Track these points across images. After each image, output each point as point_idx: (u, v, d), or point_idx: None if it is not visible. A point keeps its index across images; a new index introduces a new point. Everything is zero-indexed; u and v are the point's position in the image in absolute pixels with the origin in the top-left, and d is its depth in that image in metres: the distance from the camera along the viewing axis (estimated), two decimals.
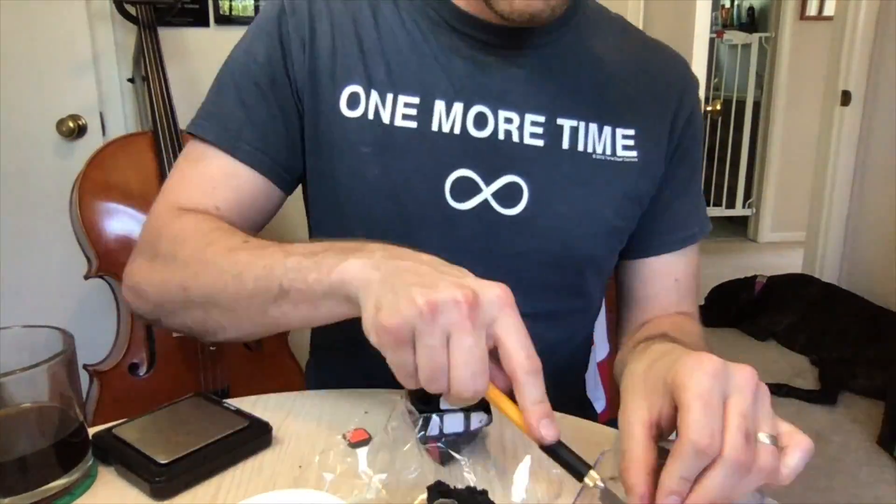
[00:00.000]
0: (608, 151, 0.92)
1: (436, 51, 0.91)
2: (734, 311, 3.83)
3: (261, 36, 0.91)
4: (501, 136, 0.89)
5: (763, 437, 0.53)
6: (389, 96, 0.89)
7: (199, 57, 2.39)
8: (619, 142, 0.93)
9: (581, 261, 0.94)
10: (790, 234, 5.35)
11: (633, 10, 2.80)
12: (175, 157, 1.94)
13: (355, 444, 0.74)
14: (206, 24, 2.39)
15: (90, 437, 0.73)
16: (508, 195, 0.89)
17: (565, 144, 0.91)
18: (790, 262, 4.65)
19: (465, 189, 0.89)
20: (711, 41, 4.90)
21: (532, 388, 0.59)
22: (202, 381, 1.93)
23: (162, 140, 1.95)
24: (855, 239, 3.78)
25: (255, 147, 0.89)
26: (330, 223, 0.96)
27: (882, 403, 2.81)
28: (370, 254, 0.65)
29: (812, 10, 5.09)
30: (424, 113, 0.88)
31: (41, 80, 2.16)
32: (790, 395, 3.11)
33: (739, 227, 5.79)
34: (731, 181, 5.66)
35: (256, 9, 2.41)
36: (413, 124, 0.88)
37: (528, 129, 0.90)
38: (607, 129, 0.92)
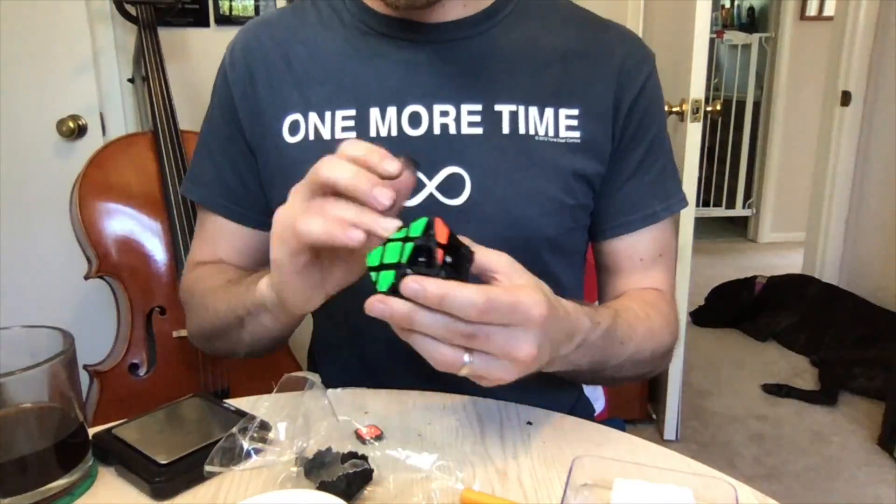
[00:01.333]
0: (551, 133, 0.93)
1: (367, 60, 0.94)
2: (734, 311, 3.83)
3: (216, 99, 1.02)
4: (437, 130, 0.92)
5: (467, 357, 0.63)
6: (328, 114, 0.93)
7: (199, 57, 2.39)
8: (563, 122, 0.93)
9: (535, 241, 0.94)
10: (790, 234, 5.34)
11: (633, 10, 2.80)
12: (175, 157, 1.95)
13: (369, 441, 0.75)
14: (206, 24, 2.39)
15: (90, 437, 0.73)
16: (452, 186, 0.91)
17: (505, 129, 0.92)
18: (790, 263, 4.65)
19: None
20: (711, 41, 4.90)
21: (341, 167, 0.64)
22: (202, 381, 1.93)
23: (162, 140, 1.95)
24: (855, 239, 3.79)
25: (229, 201, 1.01)
26: None
27: (882, 404, 2.81)
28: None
29: (812, 10, 5.09)
30: (361, 122, 0.92)
31: (41, 81, 2.17)
32: (790, 396, 3.11)
33: (739, 228, 5.79)
34: (731, 181, 5.66)
35: (257, 9, 2.41)
36: (352, 135, 0.92)
37: (465, 119, 0.92)
38: (549, 111, 0.93)
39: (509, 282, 0.66)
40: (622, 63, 0.96)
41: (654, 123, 0.99)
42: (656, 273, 1.02)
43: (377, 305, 0.61)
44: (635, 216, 0.99)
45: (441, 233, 0.62)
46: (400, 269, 0.61)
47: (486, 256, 0.67)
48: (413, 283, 0.59)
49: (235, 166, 0.99)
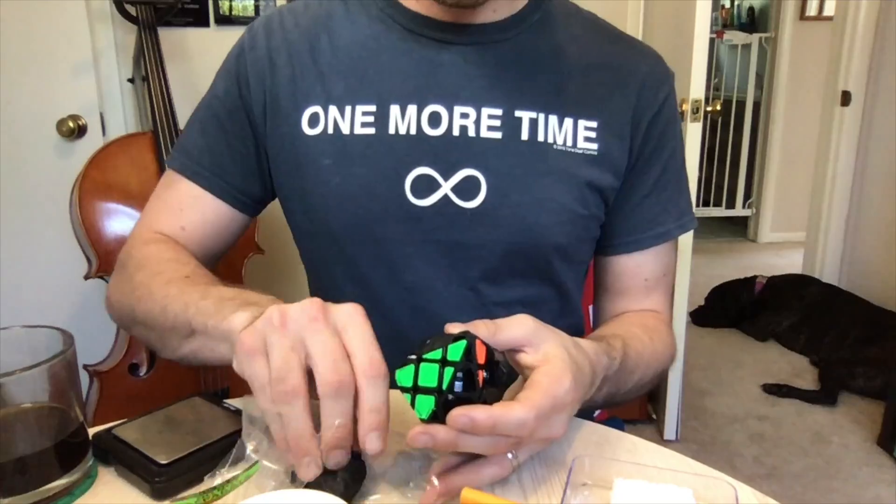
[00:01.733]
0: (569, 143, 0.93)
1: (391, 57, 0.94)
2: (734, 311, 3.84)
3: (223, 73, 1.00)
4: (456, 132, 0.91)
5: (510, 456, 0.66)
6: (348, 108, 0.93)
7: (199, 57, 2.39)
8: (581, 133, 0.93)
9: (545, 248, 0.95)
10: (790, 234, 5.35)
11: (633, 10, 2.80)
12: None
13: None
14: (206, 24, 2.39)
15: (90, 437, 0.73)
16: (467, 189, 0.91)
17: (524, 136, 0.92)
18: (790, 263, 4.65)
19: (425, 186, 0.91)
20: (711, 41, 4.90)
21: (370, 393, 0.59)
22: (202, 381, 1.93)
23: (162, 140, 1.95)
24: (855, 239, 3.79)
25: (213, 173, 0.98)
26: (305, 232, 1.01)
27: (882, 404, 2.80)
28: (259, 308, 0.68)
29: (812, 10, 5.09)
30: (381, 118, 0.92)
31: (41, 81, 2.17)
32: (790, 396, 3.11)
33: (739, 228, 5.79)
34: (731, 181, 5.66)
35: (257, 9, 2.41)
36: (371, 130, 0.92)
37: (484, 122, 0.92)
38: (568, 121, 0.93)
39: (535, 352, 0.67)
40: (643, 80, 0.96)
41: (671, 142, 1.00)
42: (657, 296, 1.03)
43: (421, 438, 0.60)
44: (648, 234, 1.00)
45: (480, 354, 0.62)
46: (440, 396, 0.60)
47: (510, 331, 0.67)
48: (463, 418, 0.59)
49: (228, 139, 0.98)
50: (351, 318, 0.62)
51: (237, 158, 0.99)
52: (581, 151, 0.93)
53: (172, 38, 2.32)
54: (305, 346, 0.60)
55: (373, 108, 0.92)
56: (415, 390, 0.62)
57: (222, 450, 0.72)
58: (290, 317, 0.61)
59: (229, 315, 0.70)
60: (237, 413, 0.78)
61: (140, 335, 0.91)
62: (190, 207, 0.98)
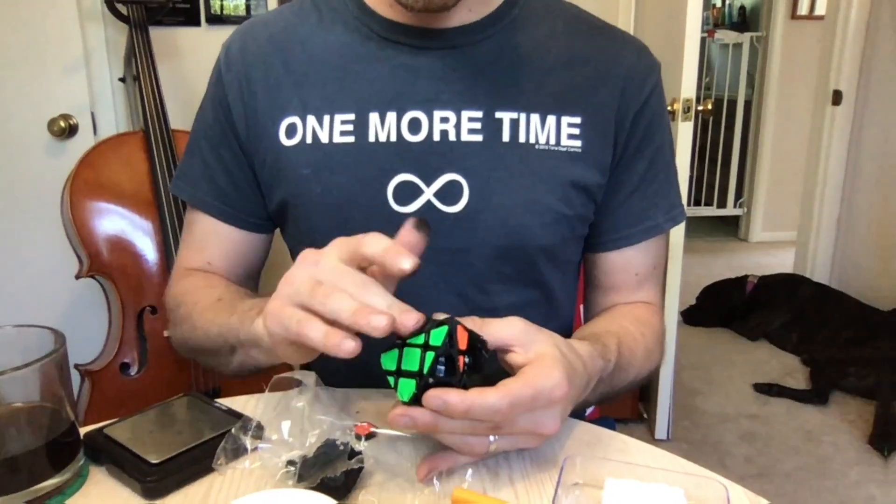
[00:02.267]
0: (552, 141, 0.92)
1: (367, 65, 0.93)
2: (725, 310, 3.84)
3: (209, 98, 1.01)
4: (437, 137, 0.90)
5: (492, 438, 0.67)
6: (326, 118, 0.92)
7: (190, 56, 2.39)
8: (564, 130, 0.92)
9: (530, 250, 0.94)
10: (781, 233, 5.36)
11: (624, 9, 2.80)
12: (166, 156, 1.95)
13: (362, 437, 0.75)
14: (197, 23, 2.39)
15: (81, 436, 0.73)
16: (450, 193, 0.90)
17: (505, 137, 0.91)
18: (781, 262, 4.67)
19: (407, 192, 0.90)
20: (703, 40, 4.91)
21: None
22: (193, 380, 1.93)
23: (153, 139, 1.95)
24: (846, 239, 3.80)
25: (220, 201, 1.00)
26: (295, 242, 1.01)
27: (873, 403, 2.82)
28: None
29: (803, 9, 5.10)
30: (360, 127, 0.91)
31: (32, 80, 2.16)
32: (781, 395, 3.12)
33: (730, 227, 5.80)
34: (722, 181, 5.67)
35: (248, 8, 2.41)
36: (351, 139, 0.91)
37: (465, 125, 0.91)
38: (551, 119, 0.92)
39: (525, 352, 0.68)
40: (628, 72, 0.95)
41: (658, 134, 0.98)
42: (648, 287, 1.03)
43: (400, 419, 0.63)
44: (637, 228, 0.99)
45: (462, 339, 0.63)
46: (421, 380, 0.62)
47: (498, 330, 0.68)
48: (436, 400, 0.60)
49: (226, 167, 0.98)
50: (332, 273, 0.64)
51: (237, 183, 0.99)
52: (565, 149, 0.92)
53: (163, 38, 2.31)
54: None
55: (352, 116, 0.91)
56: (398, 374, 0.64)
57: (213, 449, 0.72)
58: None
59: (251, 324, 0.76)
60: (229, 412, 0.78)
61: (202, 362, 0.99)
62: (209, 242, 1.02)
